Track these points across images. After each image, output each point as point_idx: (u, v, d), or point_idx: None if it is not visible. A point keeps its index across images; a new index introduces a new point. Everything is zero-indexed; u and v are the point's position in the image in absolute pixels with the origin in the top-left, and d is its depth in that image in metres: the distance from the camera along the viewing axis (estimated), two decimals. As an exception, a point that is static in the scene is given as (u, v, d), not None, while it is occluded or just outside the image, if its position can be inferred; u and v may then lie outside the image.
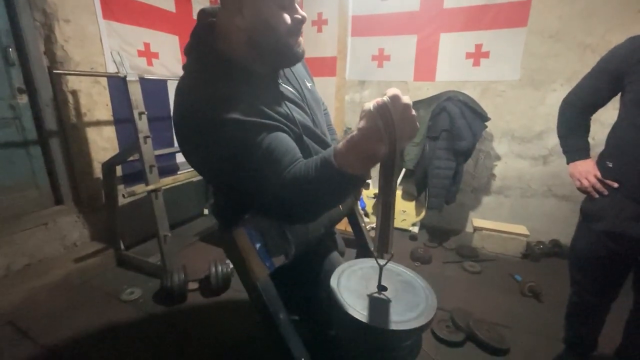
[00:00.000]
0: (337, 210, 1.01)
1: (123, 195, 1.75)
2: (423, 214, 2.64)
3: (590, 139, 1.25)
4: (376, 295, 0.70)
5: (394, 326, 0.61)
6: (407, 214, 2.69)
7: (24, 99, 1.91)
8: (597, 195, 1.14)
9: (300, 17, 0.75)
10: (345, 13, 2.76)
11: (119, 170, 2.15)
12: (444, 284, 2.02)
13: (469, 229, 2.75)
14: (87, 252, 2.06)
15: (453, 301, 1.81)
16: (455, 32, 2.48)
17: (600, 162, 1.17)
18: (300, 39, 0.79)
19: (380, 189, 0.59)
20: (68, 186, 2.15)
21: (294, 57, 0.79)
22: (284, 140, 0.70)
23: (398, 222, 2.74)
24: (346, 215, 1.19)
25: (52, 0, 1.82)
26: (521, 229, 2.41)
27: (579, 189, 1.21)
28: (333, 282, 0.71)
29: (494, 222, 2.53)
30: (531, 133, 2.44)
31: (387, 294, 0.71)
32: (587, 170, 1.17)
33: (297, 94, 0.87)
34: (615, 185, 1.09)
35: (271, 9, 0.71)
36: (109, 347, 1.50)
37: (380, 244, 0.62)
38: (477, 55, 2.46)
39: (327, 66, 2.98)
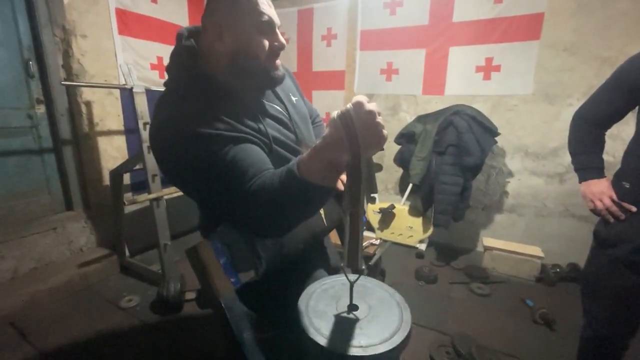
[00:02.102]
0: (320, 224, 0.98)
1: (124, 203, 1.79)
2: (430, 230, 2.55)
3: (610, 157, 1.16)
4: (345, 315, 0.66)
5: (357, 351, 0.57)
6: (413, 230, 2.61)
7: (41, 109, 2.02)
8: (612, 220, 1.05)
9: (279, 44, 0.78)
10: (355, 28, 2.79)
11: (127, 179, 2.21)
12: (448, 306, 1.91)
13: (479, 248, 2.63)
14: (91, 258, 2.11)
15: (456, 325, 1.71)
16: (465, 46, 2.43)
17: (616, 183, 1.08)
18: (278, 62, 0.81)
19: (346, 199, 0.56)
20: (79, 193, 2.23)
21: (272, 80, 0.81)
22: (252, 151, 0.69)
23: (404, 239, 2.65)
24: (333, 229, 1.15)
25: (71, 17, 1.93)
26: (535, 251, 2.27)
27: (592, 210, 1.12)
28: (301, 303, 0.68)
29: (506, 242, 2.40)
30: (546, 149, 2.33)
31: (359, 313, 0.67)
32: (601, 191, 1.08)
33: (282, 111, 0.87)
34: (634, 209, 0.99)
35: (251, 35, 0.73)
36: (102, 354, 1.50)
37: (350, 259, 0.58)
38: (488, 69, 2.39)
39: (335, 80, 3.00)
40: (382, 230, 2.73)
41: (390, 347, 0.58)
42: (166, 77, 0.82)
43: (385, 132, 0.54)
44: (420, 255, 2.52)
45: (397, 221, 2.67)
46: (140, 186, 2.30)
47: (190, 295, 1.90)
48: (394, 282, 2.12)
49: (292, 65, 3.14)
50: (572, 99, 2.19)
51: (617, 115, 1.10)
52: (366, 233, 2.81)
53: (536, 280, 2.20)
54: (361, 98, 0.51)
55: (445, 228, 2.32)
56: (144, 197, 1.84)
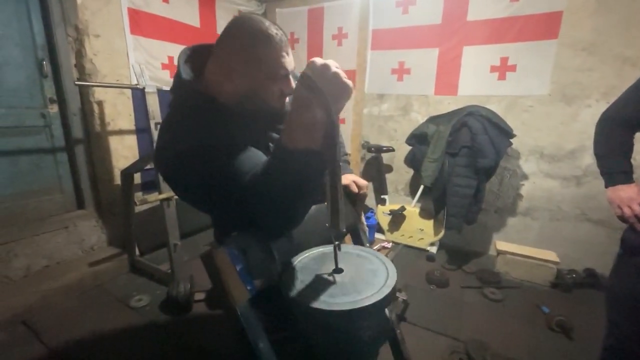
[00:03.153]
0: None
1: (135, 203, 1.79)
2: (442, 233, 2.50)
3: (632, 160, 1.11)
4: (330, 276, 0.69)
5: (339, 307, 0.60)
6: (424, 232, 2.57)
7: (54, 109, 2.03)
8: None
9: (289, 90, 0.77)
10: (366, 27, 2.76)
11: (137, 178, 2.22)
12: (460, 311, 1.87)
13: (491, 252, 2.57)
14: (102, 257, 2.12)
15: (469, 331, 1.67)
16: (479, 45, 2.38)
17: None
18: (287, 99, 0.81)
19: (325, 155, 0.58)
20: (90, 192, 2.24)
21: (278, 117, 0.81)
22: (248, 150, 0.69)
23: (415, 241, 2.61)
24: (348, 233, 1.13)
25: (84, 17, 1.94)
26: (551, 255, 2.21)
27: (619, 217, 1.07)
28: (287, 271, 0.71)
29: (520, 246, 2.34)
30: (562, 151, 2.27)
31: (344, 275, 0.70)
32: (629, 197, 1.03)
33: None
34: None
35: (264, 84, 0.73)
36: (111, 353, 1.50)
37: (332, 219, 0.60)
38: (503, 68, 2.34)
39: (346, 79, 2.96)
40: (392, 232, 2.70)
41: (381, 297, 0.61)
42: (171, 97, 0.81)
43: (347, 81, 0.57)
44: (431, 258, 2.48)
45: (408, 223, 2.63)
46: (150, 186, 2.31)
47: (200, 295, 1.90)
48: (404, 285, 2.08)
49: (301, 65, 3.11)
50: (591, 99, 2.12)
51: None
52: (377, 235, 2.78)
53: (552, 285, 2.14)
54: (314, 58, 0.56)
55: (458, 231, 2.27)
56: (154, 196, 1.84)
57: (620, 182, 1.08)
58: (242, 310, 0.65)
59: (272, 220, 0.67)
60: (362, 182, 1.02)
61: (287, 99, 0.81)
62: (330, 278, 0.69)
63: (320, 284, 0.67)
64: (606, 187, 1.13)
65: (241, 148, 0.69)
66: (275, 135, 0.83)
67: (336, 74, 0.55)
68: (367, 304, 0.60)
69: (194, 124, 0.71)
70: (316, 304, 0.61)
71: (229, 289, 0.64)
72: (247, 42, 0.69)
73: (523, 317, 1.83)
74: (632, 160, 1.11)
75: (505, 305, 1.95)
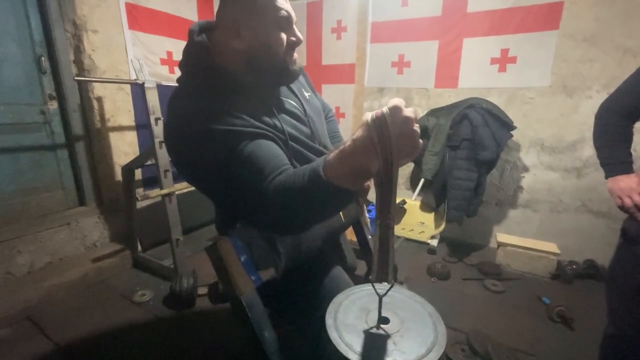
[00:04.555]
0: (338, 221, 0.96)
1: (137, 198, 1.79)
2: (442, 226, 2.51)
3: (632, 150, 1.11)
4: (376, 330, 0.61)
5: None
6: (425, 225, 2.57)
7: (54, 105, 2.03)
8: None
9: (296, 39, 0.78)
10: (365, 20, 2.73)
11: (139, 174, 2.22)
12: (462, 303, 1.89)
13: (492, 244, 2.58)
14: (105, 253, 2.13)
15: (471, 322, 1.68)
16: (480, 37, 2.37)
17: None
18: (295, 55, 0.81)
19: (377, 210, 0.52)
20: (91, 188, 2.24)
21: (291, 75, 0.81)
22: (269, 147, 0.67)
23: (416, 235, 2.62)
24: (350, 225, 1.13)
25: (82, 12, 1.93)
26: (551, 247, 2.22)
27: (620, 207, 1.07)
28: (329, 316, 0.63)
29: (521, 238, 2.35)
30: (563, 143, 2.27)
31: (390, 327, 0.62)
32: (630, 187, 1.03)
33: (297, 106, 0.86)
34: None
35: (269, 30, 0.73)
36: (116, 348, 1.52)
37: (379, 271, 0.54)
38: (503, 60, 2.33)
39: (345, 73, 2.95)
40: (393, 226, 2.70)
41: None
42: (178, 73, 0.80)
43: (421, 141, 0.50)
44: (432, 251, 2.49)
45: (409, 216, 2.64)
46: (151, 181, 2.31)
47: (203, 290, 1.91)
48: (406, 278, 2.10)
49: (301, 59, 3.08)
50: (592, 91, 2.12)
51: None
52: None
53: (552, 277, 2.16)
54: (398, 102, 0.47)
55: (459, 224, 2.28)
56: (156, 192, 1.84)
57: (620, 173, 1.08)
58: (248, 300, 0.66)
59: (282, 227, 0.67)
60: None
61: (296, 56, 0.81)
62: (374, 331, 0.62)
63: (363, 336, 0.60)
64: (606, 177, 1.12)
65: (257, 135, 0.68)
66: (283, 99, 0.82)
67: (414, 133, 0.48)
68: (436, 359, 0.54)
69: (206, 101, 0.70)
70: (348, 355, 0.54)
71: (234, 280, 0.65)
72: None
73: (524, 308, 1.85)
74: (632, 151, 1.10)
75: (506, 296, 1.97)
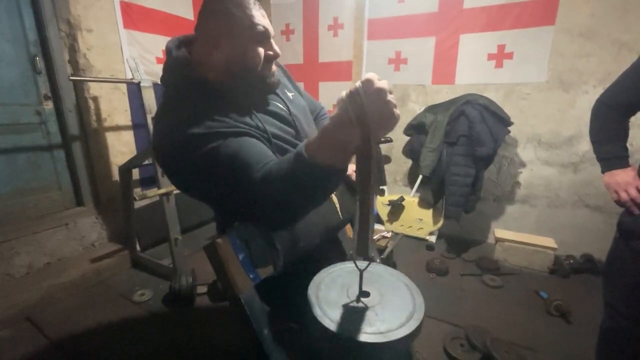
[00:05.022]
0: (336, 217, 0.96)
1: (135, 198, 1.79)
2: (440, 222, 2.52)
3: (628, 145, 1.11)
4: (356, 303, 0.65)
5: (377, 338, 0.56)
6: (423, 222, 2.58)
7: (49, 105, 2.01)
8: (638, 212, 1.01)
9: (273, 53, 0.80)
10: (362, 16, 2.73)
11: (136, 174, 2.21)
12: (460, 298, 1.90)
13: (490, 240, 2.60)
14: (103, 253, 2.12)
15: (469, 317, 1.69)
16: (476, 33, 2.37)
17: None
18: (274, 67, 0.84)
19: (358, 184, 0.54)
20: (88, 188, 2.23)
21: (268, 87, 0.84)
22: (252, 143, 0.69)
23: (414, 231, 2.63)
24: (349, 222, 1.13)
25: (76, 12, 1.91)
26: (548, 242, 2.24)
27: (616, 202, 1.07)
28: (311, 293, 0.66)
29: (518, 234, 2.36)
30: (560, 138, 2.27)
31: (370, 300, 0.66)
32: (626, 182, 1.04)
33: (281, 106, 0.88)
34: None
35: (247, 45, 0.75)
36: (116, 347, 1.52)
37: (359, 246, 0.56)
38: (500, 56, 2.33)
39: (342, 71, 2.95)
40: (391, 223, 2.71)
41: (410, 331, 0.57)
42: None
43: (397, 111, 0.52)
44: (430, 247, 2.50)
45: (407, 213, 2.64)
46: (149, 181, 2.31)
47: (202, 288, 1.91)
48: (404, 275, 2.10)
49: (298, 56, 3.09)
50: (588, 85, 2.12)
51: None
52: (376, 226, 2.80)
53: (550, 271, 2.17)
54: (371, 75, 0.50)
55: (457, 220, 2.29)
56: (154, 191, 1.84)
57: (617, 167, 1.08)
58: (246, 298, 0.66)
59: (275, 218, 0.68)
60: None
61: (275, 67, 0.83)
62: (356, 304, 0.65)
63: (345, 310, 0.63)
64: (603, 172, 1.13)
65: (239, 133, 0.70)
66: (264, 102, 0.84)
67: (389, 103, 0.50)
68: (394, 338, 0.57)
69: (189, 111, 0.72)
70: (341, 332, 0.58)
71: (232, 278, 0.65)
72: (221, 9, 0.73)
73: (522, 303, 1.86)
74: (629, 146, 1.11)
75: (504, 291, 1.98)
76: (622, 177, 1.06)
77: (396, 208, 2.65)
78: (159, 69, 2.33)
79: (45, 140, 2.03)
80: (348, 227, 1.17)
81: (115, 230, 2.29)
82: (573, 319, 1.69)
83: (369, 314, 0.61)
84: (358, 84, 0.49)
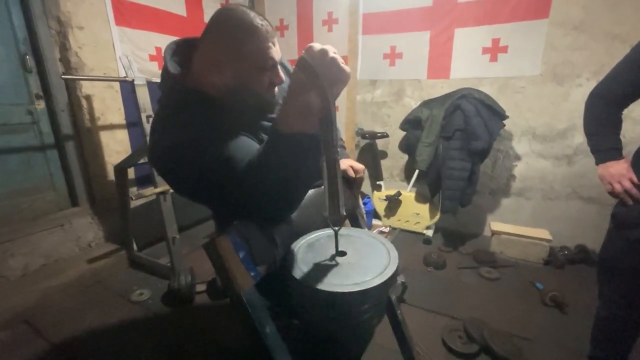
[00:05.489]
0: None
1: (131, 198, 1.78)
2: (437, 216, 2.54)
3: (621, 137, 1.12)
4: (332, 260, 0.70)
5: (347, 288, 0.61)
6: (420, 216, 2.60)
7: (41, 105, 1.98)
8: (631, 202, 1.03)
9: (278, 80, 0.77)
10: (356, 11, 2.71)
11: (131, 173, 2.19)
12: (458, 291, 1.92)
13: (486, 232, 2.62)
14: (100, 253, 2.11)
15: (467, 310, 1.71)
16: (471, 27, 2.37)
17: (636, 163, 1.05)
18: (276, 89, 0.81)
19: (323, 146, 0.59)
20: (83, 188, 2.21)
21: (269, 107, 0.81)
22: (241, 140, 0.69)
23: (411, 225, 2.65)
24: (347, 218, 1.14)
25: (66, 9, 1.88)
26: (543, 234, 2.27)
27: (610, 193, 1.09)
28: (289, 259, 0.70)
29: (514, 226, 2.39)
30: (554, 131, 2.30)
31: (347, 258, 0.71)
32: (620, 173, 1.05)
33: None
34: None
35: (252, 75, 0.73)
36: (117, 347, 1.51)
37: (330, 206, 0.60)
38: (495, 50, 2.33)
39: (337, 66, 2.93)
40: (388, 218, 2.73)
41: (383, 280, 0.63)
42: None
43: (345, 66, 0.57)
44: (427, 241, 2.52)
45: (404, 208, 2.66)
46: (145, 180, 2.29)
47: (201, 287, 1.91)
48: (402, 269, 2.12)
49: (292, 52, 3.07)
50: (582, 78, 2.14)
51: (636, 93, 1.07)
52: (374, 221, 2.81)
53: (545, 263, 2.20)
54: (312, 43, 0.56)
55: (453, 214, 2.31)
56: (150, 190, 1.82)
57: (610, 159, 1.10)
58: (248, 296, 0.66)
59: (269, 206, 0.68)
60: (359, 166, 1.03)
61: (277, 90, 0.81)
62: (333, 261, 0.70)
63: (322, 267, 0.68)
64: (597, 164, 1.14)
65: (233, 137, 0.69)
66: (267, 124, 0.82)
67: (333, 59, 0.56)
68: (369, 286, 0.62)
69: (183, 119, 0.71)
70: (319, 286, 0.62)
71: (233, 276, 0.65)
72: (232, 35, 0.70)
73: (518, 294, 1.89)
74: (622, 137, 1.12)
75: (500, 283, 2.01)
76: (615, 168, 1.07)
77: (393, 203, 2.66)
78: (152, 67, 2.32)
79: (38, 141, 2.00)
80: (346, 223, 1.18)
81: (112, 230, 2.27)
82: (568, 309, 1.72)
83: (346, 269, 0.67)
84: (303, 52, 0.55)
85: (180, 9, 2.50)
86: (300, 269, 0.67)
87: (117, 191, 2.09)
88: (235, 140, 0.69)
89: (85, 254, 2.11)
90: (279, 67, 0.77)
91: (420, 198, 2.62)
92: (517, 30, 2.23)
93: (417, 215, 2.61)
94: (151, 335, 1.59)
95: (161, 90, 0.80)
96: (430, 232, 2.58)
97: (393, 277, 0.65)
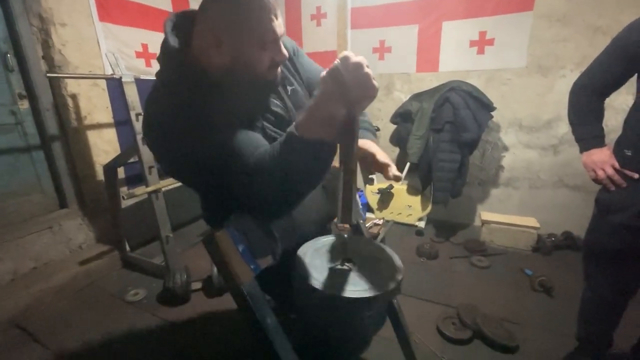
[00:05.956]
0: (329, 207, 0.98)
1: (123, 197, 1.75)
2: (429, 208, 2.58)
3: (603, 125, 1.17)
4: (340, 267, 0.71)
5: (354, 294, 0.63)
6: (412, 208, 2.64)
7: (25, 105, 1.93)
8: (613, 188, 1.07)
9: (280, 58, 0.74)
10: (345, 5, 2.71)
11: (121, 172, 2.16)
12: (450, 280, 1.97)
13: (476, 222, 2.68)
14: (92, 255, 2.08)
15: (460, 297, 1.76)
16: (458, 20, 2.39)
17: (618, 150, 1.09)
18: (278, 70, 0.78)
19: (341, 154, 0.59)
20: (72, 190, 2.17)
21: (268, 84, 0.79)
22: (245, 132, 0.69)
23: (404, 218, 2.69)
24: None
25: (47, 5, 1.82)
26: (531, 222, 2.33)
27: (594, 180, 1.13)
28: (299, 259, 0.72)
29: (503, 215, 2.45)
30: (540, 122, 2.35)
31: (353, 265, 0.72)
32: (603, 160, 1.10)
33: (279, 104, 0.84)
34: (636, 175, 1.02)
35: (252, 51, 0.69)
36: (114, 349, 1.50)
37: (343, 213, 0.61)
38: (482, 42, 2.37)
39: (327, 60, 2.92)
40: (381, 211, 2.76)
41: (390, 288, 0.65)
42: (155, 66, 0.80)
43: (375, 82, 0.55)
44: (420, 232, 2.57)
45: (396, 201, 2.69)
46: (135, 179, 2.26)
47: (197, 285, 1.91)
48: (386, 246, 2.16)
49: (281, 47, 3.05)
50: (566, 70, 2.20)
51: (617, 83, 1.11)
52: (367, 214, 2.84)
53: (533, 250, 2.27)
54: (347, 52, 0.53)
55: (444, 205, 2.35)
56: (141, 189, 1.80)
57: (594, 147, 1.14)
58: (248, 289, 0.67)
59: (272, 203, 0.68)
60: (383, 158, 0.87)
61: (280, 70, 0.79)
62: (341, 267, 0.71)
63: (331, 273, 0.69)
64: (581, 152, 1.19)
65: (237, 127, 0.69)
66: (263, 99, 0.81)
67: (367, 75, 0.54)
68: (376, 293, 0.63)
69: (184, 99, 0.69)
70: (327, 290, 0.63)
71: (233, 270, 0.66)
72: (230, 6, 0.66)
73: (509, 281, 1.95)
74: (604, 126, 1.17)
75: (491, 271, 2.06)
76: (598, 156, 1.11)
77: (386, 196, 2.69)
78: (139, 64, 2.28)
79: (23, 142, 1.95)
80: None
81: (103, 231, 2.24)
82: (556, 293, 1.78)
83: (352, 276, 0.68)
84: (337, 61, 0.53)
85: (166, 4, 2.45)
86: (309, 273, 0.68)
87: (107, 191, 2.06)
88: (241, 132, 0.68)
89: (77, 256, 2.07)
90: (281, 43, 0.73)
91: (411, 190, 2.66)
92: (503, 23, 2.27)
93: (409, 207, 2.65)
94: (148, 335, 1.59)
95: (160, 63, 0.77)
96: (422, 224, 2.62)
97: (398, 285, 0.67)
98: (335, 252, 0.75)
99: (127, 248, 2.18)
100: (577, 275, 1.33)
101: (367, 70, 0.54)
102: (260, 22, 0.67)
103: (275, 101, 0.83)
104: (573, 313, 1.33)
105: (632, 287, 1.15)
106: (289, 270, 0.80)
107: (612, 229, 1.08)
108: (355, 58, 0.53)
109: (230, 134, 0.66)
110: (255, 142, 0.67)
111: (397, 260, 0.74)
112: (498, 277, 1.99)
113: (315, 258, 0.73)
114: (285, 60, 0.76)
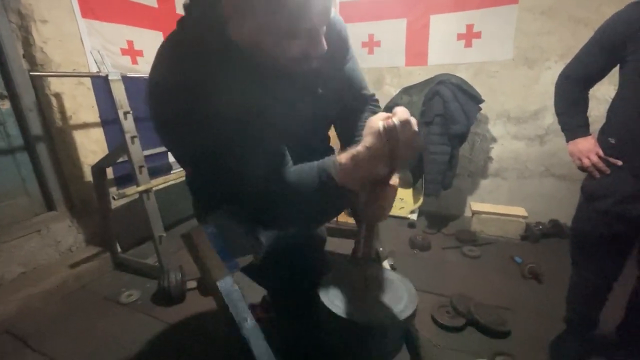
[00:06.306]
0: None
1: (113, 198, 1.72)
2: (420, 201, 2.62)
3: (588, 115, 1.20)
4: (360, 295, 0.75)
5: (376, 321, 0.67)
6: (404, 201, 2.67)
7: (5, 105, 1.86)
8: (598, 175, 1.11)
9: (315, 52, 0.59)
10: (333, -1, 2.70)
11: (110, 173, 2.12)
12: (443, 270, 2.01)
13: (467, 213, 2.74)
14: (82, 257, 2.04)
15: (453, 287, 1.80)
16: (446, 13, 2.42)
17: (602, 139, 1.13)
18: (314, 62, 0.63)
19: (369, 199, 0.61)
20: (59, 191, 2.11)
21: (300, 81, 0.69)
22: (276, 130, 0.63)
23: (396, 210, 2.71)
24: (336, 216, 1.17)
25: (26, 1, 1.76)
26: (520, 211, 2.39)
27: (579, 168, 1.17)
28: (321, 291, 0.74)
29: (492, 205, 2.51)
30: (526, 113, 2.41)
31: (372, 292, 0.76)
32: (588, 149, 1.14)
33: (303, 106, 0.73)
34: (620, 163, 1.05)
35: (280, 39, 0.56)
36: (109, 351, 1.48)
37: (364, 247, 0.68)
38: (469, 36, 2.40)
39: (316, 56, 2.91)
40: (373, 205, 2.78)
41: (408, 314, 0.69)
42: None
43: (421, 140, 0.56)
44: (412, 225, 2.60)
45: (388, 194, 2.71)
46: (125, 179, 2.21)
47: (192, 284, 1.89)
48: (390, 252, 2.18)
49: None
50: (550, 62, 2.24)
51: (601, 74, 1.14)
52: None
53: (522, 238, 2.33)
54: (406, 114, 0.51)
55: (435, 197, 2.39)
56: (132, 189, 1.77)
57: (579, 136, 1.18)
58: (223, 285, 0.66)
59: (275, 215, 0.67)
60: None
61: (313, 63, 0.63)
62: (360, 295, 0.74)
63: (351, 299, 0.72)
64: (567, 141, 1.22)
65: (267, 117, 0.62)
66: (300, 103, 0.70)
67: (416, 134, 0.52)
68: (395, 320, 0.67)
69: (212, 73, 0.58)
70: (348, 316, 0.66)
71: (208, 266, 0.66)
72: None
73: (499, 269, 2.00)
74: (588, 116, 1.20)
75: (482, 260, 2.11)
76: (583, 145, 1.15)
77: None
78: (124, 61, 2.23)
79: (5, 143, 1.89)
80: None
81: (93, 233, 2.20)
82: (544, 279, 1.84)
83: (372, 304, 0.72)
84: (397, 121, 0.50)
85: (151, 0, 2.40)
86: (331, 300, 0.71)
87: (96, 192, 2.01)
88: (271, 126, 0.62)
89: (66, 259, 2.03)
90: (321, 33, 0.58)
91: (403, 183, 2.69)
92: (489, 16, 2.30)
93: (401, 200, 2.68)
94: (144, 335, 1.57)
95: (187, 12, 0.62)
96: (414, 216, 2.66)
97: (414, 313, 0.70)
98: (355, 280, 0.79)
99: (119, 249, 2.14)
100: (565, 262, 1.38)
101: (415, 128, 0.52)
102: (305, 9, 0.52)
103: (301, 103, 0.72)
104: (561, 298, 1.38)
105: (616, 271, 1.19)
106: (280, 264, 0.81)
107: (597, 215, 1.12)
108: (405, 114, 0.51)
109: (265, 131, 0.61)
110: (282, 154, 0.64)
111: (411, 288, 0.79)
112: (489, 266, 2.04)
113: (336, 287, 0.77)
114: (320, 54, 0.60)
